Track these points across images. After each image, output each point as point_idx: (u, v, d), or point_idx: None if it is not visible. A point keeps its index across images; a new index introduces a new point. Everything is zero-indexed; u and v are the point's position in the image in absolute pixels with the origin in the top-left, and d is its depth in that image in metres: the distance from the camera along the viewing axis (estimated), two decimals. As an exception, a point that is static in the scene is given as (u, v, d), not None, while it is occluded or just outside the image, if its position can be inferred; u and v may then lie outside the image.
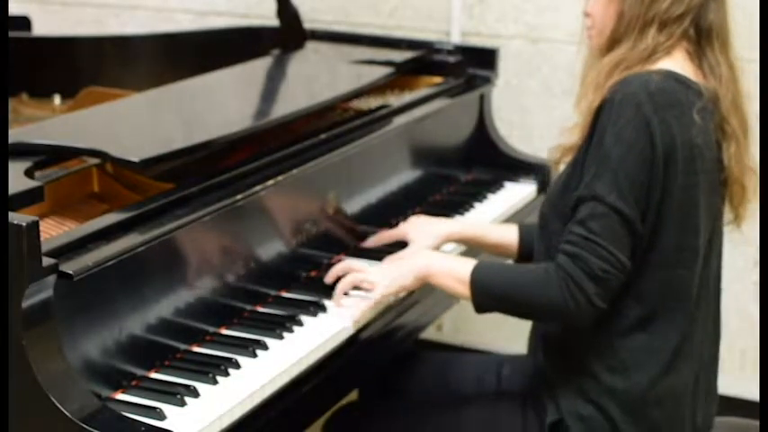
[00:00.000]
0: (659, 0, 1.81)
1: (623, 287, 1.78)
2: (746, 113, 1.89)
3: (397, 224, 2.36)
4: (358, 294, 1.98)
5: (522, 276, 1.83)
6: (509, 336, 2.95)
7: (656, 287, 1.80)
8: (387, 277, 1.95)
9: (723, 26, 1.87)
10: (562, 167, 1.94)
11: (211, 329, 1.85)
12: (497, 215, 2.48)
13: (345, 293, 1.97)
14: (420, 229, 2.18)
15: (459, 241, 2.22)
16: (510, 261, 2.17)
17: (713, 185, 1.83)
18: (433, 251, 2.07)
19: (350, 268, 2.00)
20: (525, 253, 2.08)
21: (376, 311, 1.99)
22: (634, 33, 1.82)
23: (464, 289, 1.87)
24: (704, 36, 1.85)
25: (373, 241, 2.23)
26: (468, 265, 1.89)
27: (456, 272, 1.89)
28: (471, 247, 2.23)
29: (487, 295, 1.85)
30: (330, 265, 2.13)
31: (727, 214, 1.91)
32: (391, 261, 2.02)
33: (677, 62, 1.83)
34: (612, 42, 1.85)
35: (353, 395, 2.20)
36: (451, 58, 2.74)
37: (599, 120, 1.78)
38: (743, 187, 1.87)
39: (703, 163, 1.79)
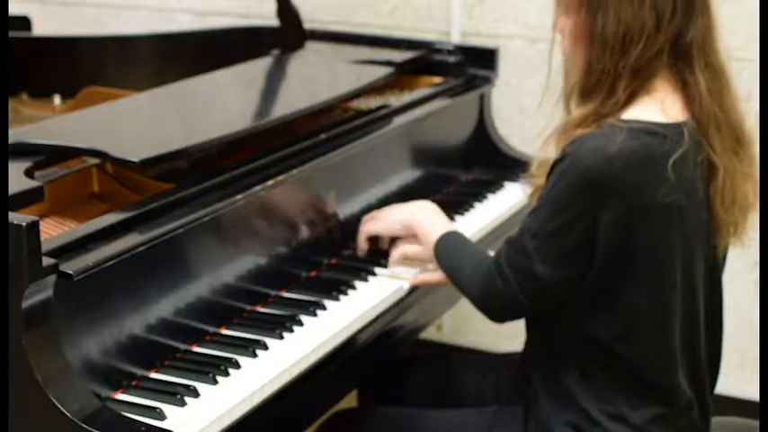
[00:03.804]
0: (629, 50, 1.67)
1: (607, 353, 1.76)
2: (738, 122, 1.77)
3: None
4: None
5: (468, 271, 1.91)
6: (509, 335, 2.95)
7: (636, 347, 1.75)
8: (383, 218, 2.12)
9: (706, 36, 1.72)
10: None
11: (211, 329, 1.85)
12: (497, 215, 2.48)
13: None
14: None
15: None
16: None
17: (700, 227, 1.74)
18: (432, 207, 2.11)
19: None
20: None
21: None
22: (605, 89, 1.70)
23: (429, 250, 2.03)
24: (683, 57, 1.71)
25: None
26: (438, 234, 2.01)
27: (425, 238, 2.04)
28: None
29: (442, 270, 2.00)
30: (330, 266, 2.14)
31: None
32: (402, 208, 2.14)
33: (657, 101, 1.70)
34: (582, 93, 1.74)
35: (352, 398, 2.20)
36: (451, 58, 2.74)
37: (552, 170, 1.73)
38: (727, 224, 1.77)
39: (681, 215, 1.69)
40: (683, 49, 1.71)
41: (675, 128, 1.69)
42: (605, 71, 1.69)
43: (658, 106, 1.70)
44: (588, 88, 1.73)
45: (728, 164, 1.75)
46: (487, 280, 1.84)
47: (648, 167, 1.66)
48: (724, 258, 1.86)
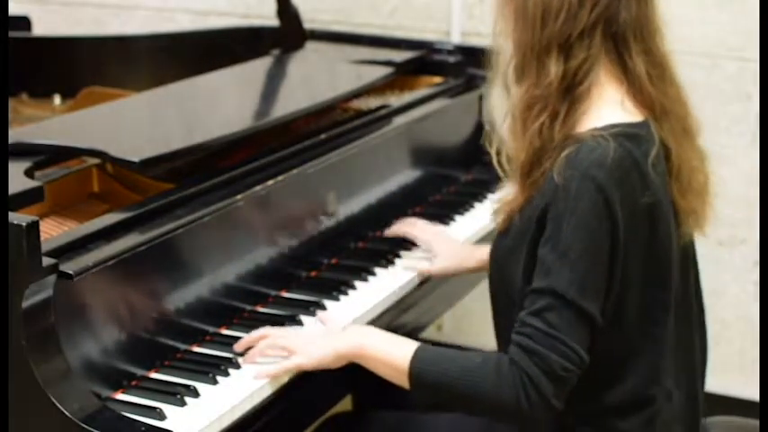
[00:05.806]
0: (549, 22, 1.63)
1: (602, 372, 1.68)
2: (684, 114, 1.73)
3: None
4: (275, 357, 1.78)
5: (470, 372, 1.64)
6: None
7: (624, 350, 1.69)
8: (309, 351, 1.76)
9: (644, 23, 1.68)
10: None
11: (211, 329, 1.85)
12: (497, 215, 2.47)
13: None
14: (449, 247, 2.13)
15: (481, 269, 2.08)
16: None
17: (671, 219, 1.70)
18: (369, 327, 1.85)
19: (268, 334, 1.80)
20: None
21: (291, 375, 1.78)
22: (533, 65, 1.65)
23: (400, 377, 1.71)
24: (619, 41, 1.66)
25: (395, 231, 2.21)
26: (407, 349, 1.71)
27: (392, 359, 1.72)
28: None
29: (428, 390, 1.70)
30: (330, 266, 2.14)
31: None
32: (322, 330, 1.87)
33: (617, 101, 1.67)
34: (516, 75, 1.69)
35: (347, 402, 2.20)
36: (451, 58, 2.74)
37: (552, 205, 1.61)
38: (687, 211, 1.73)
39: (661, 212, 1.66)
40: (617, 31, 1.66)
41: (644, 126, 1.67)
42: (528, 45, 1.66)
43: (618, 104, 1.67)
44: (520, 67, 1.69)
45: (679, 148, 1.72)
46: (528, 370, 1.60)
47: (634, 171, 1.63)
48: (693, 249, 1.81)
